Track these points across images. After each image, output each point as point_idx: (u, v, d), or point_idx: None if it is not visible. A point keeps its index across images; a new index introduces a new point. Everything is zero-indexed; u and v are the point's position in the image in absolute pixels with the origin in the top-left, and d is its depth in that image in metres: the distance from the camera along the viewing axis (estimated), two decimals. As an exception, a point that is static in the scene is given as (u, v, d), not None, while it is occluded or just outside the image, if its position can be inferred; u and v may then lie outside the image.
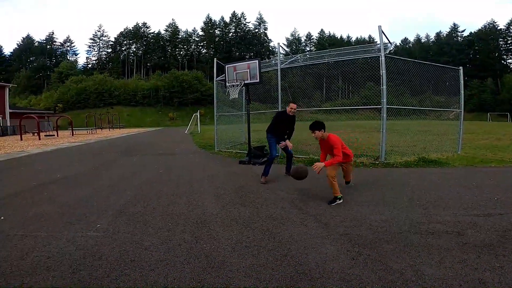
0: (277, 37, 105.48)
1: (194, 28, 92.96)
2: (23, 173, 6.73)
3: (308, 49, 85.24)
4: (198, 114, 29.39)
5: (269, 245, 2.56)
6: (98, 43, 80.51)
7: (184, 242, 2.65)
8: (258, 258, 2.34)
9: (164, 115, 58.04)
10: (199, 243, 2.62)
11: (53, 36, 79.41)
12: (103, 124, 39.77)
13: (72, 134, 25.47)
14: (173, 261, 2.31)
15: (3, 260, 2.34)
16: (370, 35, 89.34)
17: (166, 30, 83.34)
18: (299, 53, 10.02)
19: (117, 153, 10.33)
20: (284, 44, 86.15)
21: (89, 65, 79.27)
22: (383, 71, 6.28)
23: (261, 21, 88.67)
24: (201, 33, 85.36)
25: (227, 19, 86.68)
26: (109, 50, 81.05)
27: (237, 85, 7.09)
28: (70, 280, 2.04)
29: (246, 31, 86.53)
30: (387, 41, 6.77)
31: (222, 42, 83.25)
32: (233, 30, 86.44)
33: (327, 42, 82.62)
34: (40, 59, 74.97)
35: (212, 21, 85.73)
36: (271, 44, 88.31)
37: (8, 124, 30.36)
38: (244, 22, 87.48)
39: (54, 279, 2.06)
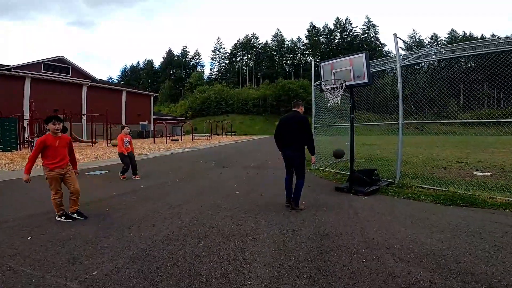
0: (391, 41, 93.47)
1: (299, 36, 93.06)
2: (120, 179, 7.15)
3: (434, 52, 71.33)
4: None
5: None
6: (218, 55, 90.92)
7: None
8: None
9: (271, 124, 59.95)
10: None
11: (187, 50, 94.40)
12: (218, 130, 44.42)
13: (192, 140, 28.95)
14: None
15: None
16: (530, 31, 66.21)
17: (272, 40, 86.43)
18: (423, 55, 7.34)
19: (212, 162, 10.35)
20: (401, 47, 75.78)
21: (212, 76, 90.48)
22: None
23: (369, 25, 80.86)
24: (305, 41, 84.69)
25: (331, 26, 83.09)
26: (227, 62, 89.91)
27: (336, 88, 5.46)
28: None
29: (353, 36, 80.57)
30: None
31: (328, 49, 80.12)
32: (339, 36, 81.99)
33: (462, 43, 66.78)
34: (178, 71, 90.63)
35: (316, 28, 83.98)
36: (385, 48, 78.73)
37: (152, 128, 37.49)
38: (350, 28, 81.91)
39: None
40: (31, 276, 2.21)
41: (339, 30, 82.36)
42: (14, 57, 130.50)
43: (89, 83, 29.43)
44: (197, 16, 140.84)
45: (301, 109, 4.43)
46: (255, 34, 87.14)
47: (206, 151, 15.98)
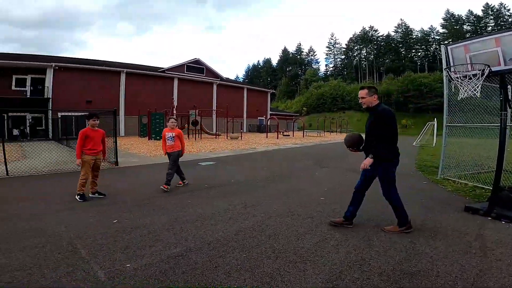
0: None
1: (431, 26, 76.65)
2: (221, 171, 7.79)
3: None
4: (435, 122, 23.28)
5: None
6: (332, 50, 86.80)
7: None
8: None
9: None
10: None
11: (301, 47, 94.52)
12: (333, 127, 42.62)
13: (303, 136, 28.88)
14: None
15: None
16: None
17: (396, 32, 75.10)
18: None
19: (313, 161, 9.84)
20: None
21: (328, 72, 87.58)
22: None
23: (542, 8, 56.90)
24: (442, 30, 69.05)
25: (478, 12, 63.97)
26: (343, 57, 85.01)
27: (474, 76, 3.94)
28: None
29: (516, 23, 59.09)
30: None
31: (475, 39, 61.48)
32: (493, 23, 61.95)
33: None
34: (294, 68, 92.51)
35: (455, 16, 66.80)
36: None
37: (269, 123, 39.79)
38: (508, 13, 60.30)
39: None
40: (79, 258, 2.48)
41: (491, 17, 62.99)
42: (164, 59, 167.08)
43: (218, 82, 33.92)
44: (309, 13, 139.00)
45: None
46: (373, 27, 78.50)
47: (313, 148, 15.46)
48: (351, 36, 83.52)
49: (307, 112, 65.78)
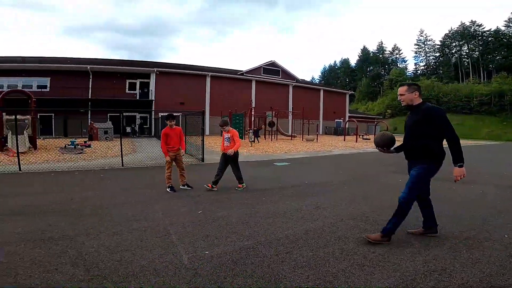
0: None
1: None
2: (295, 172, 7.95)
3: None
4: None
5: None
6: (423, 48, 76.57)
7: None
8: None
9: (510, 127, 43.30)
10: None
11: (383, 45, 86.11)
12: (423, 131, 37.68)
13: (385, 139, 26.48)
14: None
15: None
16: None
17: (507, 26, 61.36)
18: None
19: (395, 166, 8.97)
20: None
21: (418, 71, 77.63)
22: None
23: None
24: None
25: None
26: (437, 54, 74.65)
27: None
28: None
29: None
30: None
31: None
32: None
33: None
34: (375, 68, 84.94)
35: None
36: None
37: (347, 126, 38.01)
38: None
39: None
40: (170, 243, 2.85)
41: None
42: (241, 62, 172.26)
43: (294, 83, 34.05)
44: (390, 11, 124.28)
45: None
46: (475, 21, 66.13)
47: (394, 154, 14.09)
48: (447, 32, 72.99)
49: (391, 115, 60.02)
